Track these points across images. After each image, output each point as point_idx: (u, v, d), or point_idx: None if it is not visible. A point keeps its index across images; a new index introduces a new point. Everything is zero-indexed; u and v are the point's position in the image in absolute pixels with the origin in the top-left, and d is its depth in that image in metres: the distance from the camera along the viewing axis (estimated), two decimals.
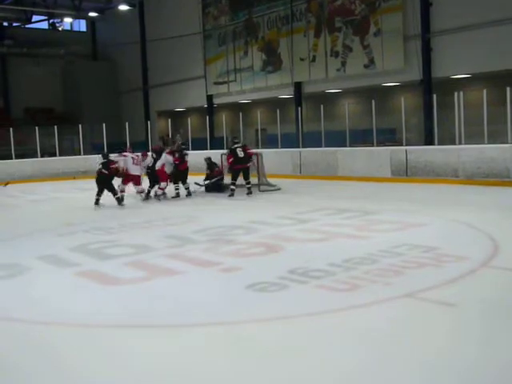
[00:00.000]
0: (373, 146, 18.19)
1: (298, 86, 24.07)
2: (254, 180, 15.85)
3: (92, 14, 27.94)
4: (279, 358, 4.37)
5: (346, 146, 18.75)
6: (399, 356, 4.31)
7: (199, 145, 23.62)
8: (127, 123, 25.28)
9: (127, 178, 14.21)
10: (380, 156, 17.28)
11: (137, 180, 14.38)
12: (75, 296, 6.37)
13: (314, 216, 10.85)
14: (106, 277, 7.01)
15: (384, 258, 7.17)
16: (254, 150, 16.37)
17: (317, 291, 5.96)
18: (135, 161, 14.37)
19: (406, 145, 17.36)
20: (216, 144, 24.34)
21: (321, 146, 19.49)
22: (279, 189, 15.83)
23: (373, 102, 17.92)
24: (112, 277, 7.00)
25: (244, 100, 26.88)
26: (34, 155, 24.07)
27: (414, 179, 16.09)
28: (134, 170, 14.30)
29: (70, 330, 5.24)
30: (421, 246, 7.69)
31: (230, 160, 14.64)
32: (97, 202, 13.39)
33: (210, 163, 16.50)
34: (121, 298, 6.18)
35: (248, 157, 14.87)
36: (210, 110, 28.24)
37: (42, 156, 24.19)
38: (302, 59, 23.34)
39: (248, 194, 14.62)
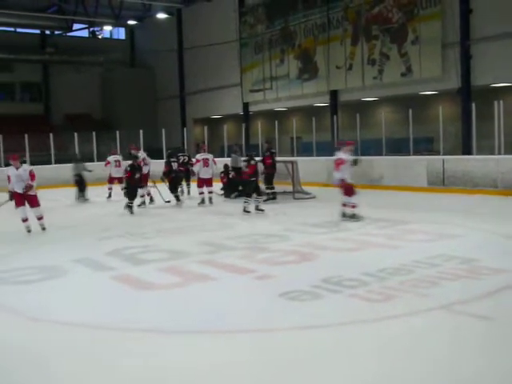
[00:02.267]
0: (409, 155, 18.01)
1: (333, 94, 24.03)
2: (288, 188, 15.87)
3: (131, 22, 28.39)
4: (309, 367, 4.35)
5: (381, 155, 18.60)
6: (432, 369, 4.25)
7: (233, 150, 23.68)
8: (163, 130, 25.56)
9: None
10: (416, 165, 17.08)
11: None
12: (110, 299, 6.46)
13: (349, 225, 10.79)
14: (140, 281, 7.08)
15: (419, 268, 7.09)
16: (289, 158, 16.39)
17: (350, 301, 5.93)
18: (117, 163, 16.92)
19: (443, 154, 17.14)
20: (251, 151, 24.39)
21: (357, 155, 19.32)
22: (314, 197, 15.79)
23: (409, 110, 17.76)
24: (146, 282, 7.07)
25: (280, 108, 26.94)
26: (72, 160, 24.43)
27: (451, 189, 15.86)
28: (115, 173, 16.73)
29: (104, 333, 5.31)
30: (457, 258, 7.58)
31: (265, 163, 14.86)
32: (132, 207, 13.63)
33: (225, 170, 17.03)
34: (153, 303, 6.23)
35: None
36: (246, 117, 28.37)
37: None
38: (338, 67, 23.28)
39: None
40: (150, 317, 5.74)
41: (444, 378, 4.11)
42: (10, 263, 8.56)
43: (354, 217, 11.13)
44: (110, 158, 17.50)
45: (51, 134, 24.35)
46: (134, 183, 13.60)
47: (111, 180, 17.29)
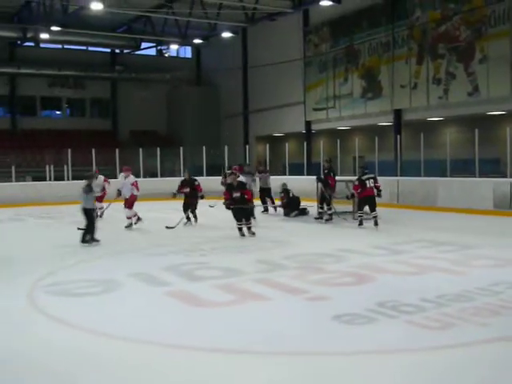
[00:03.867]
0: (475, 176, 17.50)
1: (397, 114, 23.68)
2: (349, 208, 15.66)
3: (197, 41, 28.84)
4: None
5: (446, 176, 18.15)
6: None
7: (296, 170, 23.70)
8: (226, 147, 25.80)
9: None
10: (482, 187, 16.56)
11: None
12: (163, 315, 6.48)
13: (409, 247, 10.53)
14: (194, 298, 7.09)
15: (480, 296, 6.81)
16: (351, 178, 16.17)
17: (406, 327, 5.74)
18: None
19: (511, 177, 16.56)
20: (313, 170, 24.30)
21: (420, 175, 18.98)
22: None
23: (476, 130, 17.28)
24: (200, 299, 7.07)
25: (342, 127, 26.74)
26: (137, 175, 24.96)
27: None
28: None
29: (154, 350, 5.32)
30: None
31: (358, 190, 13.74)
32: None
33: (285, 189, 16.71)
34: (206, 321, 6.21)
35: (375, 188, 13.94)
36: (308, 135, 28.29)
37: (144, 176, 25.06)
38: (402, 86, 22.94)
39: (375, 224, 13.45)
40: (201, 335, 5.72)
41: None
42: (67, 276, 8.75)
43: None
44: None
45: (117, 149, 24.97)
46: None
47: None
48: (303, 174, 23.24)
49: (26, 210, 19.09)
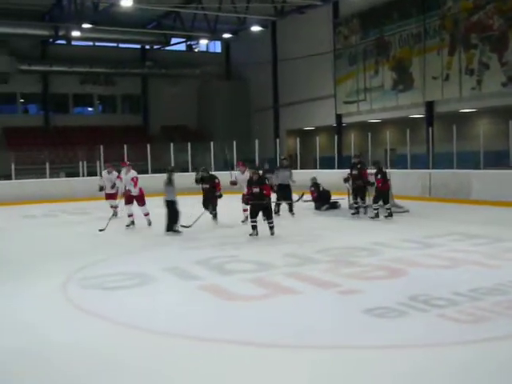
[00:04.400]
0: (509, 168, 17.20)
1: (429, 106, 23.38)
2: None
3: (226, 36, 28.90)
4: None
5: (479, 168, 17.89)
6: None
7: (327, 163, 23.60)
8: (257, 141, 25.81)
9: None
10: None
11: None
12: (195, 309, 6.54)
13: (442, 241, 10.41)
14: (225, 292, 7.14)
15: None
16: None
17: (438, 321, 5.69)
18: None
19: None
20: (344, 163, 24.18)
21: (452, 168, 18.73)
22: (407, 211, 15.35)
23: (510, 122, 16.98)
24: (231, 292, 7.11)
25: (373, 119, 26.51)
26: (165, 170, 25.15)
27: None
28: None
29: (186, 343, 5.37)
30: None
31: (380, 183, 13.77)
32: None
33: (315, 183, 16.61)
34: (237, 315, 6.26)
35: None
36: (339, 129, 28.14)
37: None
38: (434, 78, 22.64)
39: (390, 216, 13.81)
40: (233, 328, 5.76)
41: None
42: (100, 269, 8.88)
43: None
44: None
45: (148, 145, 25.17)
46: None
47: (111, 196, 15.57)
48: (334, 168, 23.12)
49: (59, 206, 19.38)
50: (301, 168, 23.81)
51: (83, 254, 10.26)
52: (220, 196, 13.55)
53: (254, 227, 11.61)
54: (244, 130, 33.74)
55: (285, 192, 15.04)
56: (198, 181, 13.80)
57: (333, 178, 18.50)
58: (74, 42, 31.74)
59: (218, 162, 25.95)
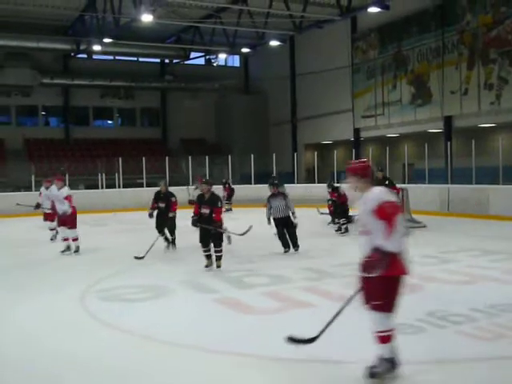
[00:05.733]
0: None
1: (448, 120, 23.31)
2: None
3: (245, 50, 29.11)
4: None
5: (498, 183, 17.79)
6: None
7: (345, 177, 23.50)
8: (274, 155, 25.89)
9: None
10: None
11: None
12: (211, 322, 6.57)
13: (459, 256, 10.37)
14: (241, 305, 7.17)
15: None
16: (400, 186, 16.00)
17: (455, 338, 5.66)
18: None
19: None
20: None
21: (471, 183, 18.65)
22: (425, 226, 15.30)
23: None
24: (247, 306, 7.14)
25: (391, 134, 26.49)
26: (185, 183, 25.31)
27: None
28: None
29: (202, 356, 5.40)
30: None
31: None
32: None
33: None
34: (252, 328, 6.27)
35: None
36: (357, 143, 28.12)
37: (192, 184, 25.36)
38: (452, 92, 22.59)
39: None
40: (245, 342, 5.78)
41: None
42: (117, 281, 8.95)
43: None
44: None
45: (167, 158, 25.37)
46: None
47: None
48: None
49: (78, 218, 19.51)
50: (318, 182, 23.84)
51: (101, 265, 10.35)
52: (173, 217, 11.74)
53: (208, 256, 9.66)
54: (262, 143, 33.88)
55: (285, 227, 11.48)
56: (155, 197, 12.02)
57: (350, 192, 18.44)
58: (94, 56, 32.13)
59: (235, 176, 26.12)
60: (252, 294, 7.77)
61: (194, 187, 15.68)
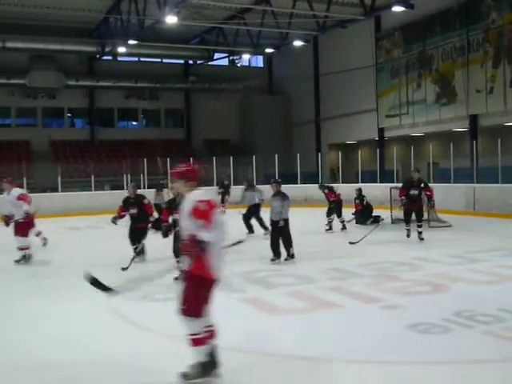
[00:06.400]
0: None
1: (473, 119, 23.06)
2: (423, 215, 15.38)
3: (268, 50, 29.13)
4: None
5: None
6: None
7: (369, 177, 23.51)
8: (298, 155, 25.88)
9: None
10: None
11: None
12: (236, 321, 6.60)
13: (486, 256, 10.28)
14: (267, 305, 7.21)
15: None
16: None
17: (483, 338, 5.64)
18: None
19: None
20: (386, 177, 24.05)
21: (497, 182, 18.45)
22: (450, 225, 15.20)
23: None
24: (272, 305, 7.18)
25: (416, 133, 26.29)
26: (210, 183, 25.41)
27: None
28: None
29: (228, 356, 5.44)
30: None
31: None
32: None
33: (360, 195, 16.51)
34: (277, 328, 6.31)
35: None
36: (381, 142, 27.97)
37: (216, 185, 25.45)
38: (478, 91, 22.35)
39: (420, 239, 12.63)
40: (270, 341, 5.81)
41: None
42: (144, 281, 9.00)
43: None
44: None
45: (191, 158, 25.49)
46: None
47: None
48: (376, 182, 23.02)
49: (103, 218, 19.72)
50: (343, 182, 23.80)
51: (126, 264, 10.43)
52: (154, 224, 10.05)
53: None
54: (286, 143, 33.89)
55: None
56: (124, 204, 10.77)
57: (374, 191, 18.43)
58: (119, 58, 32.43)
59: (259, 176, 26.13)
60: (278, 293, 7.83)
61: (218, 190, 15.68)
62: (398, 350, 5.45)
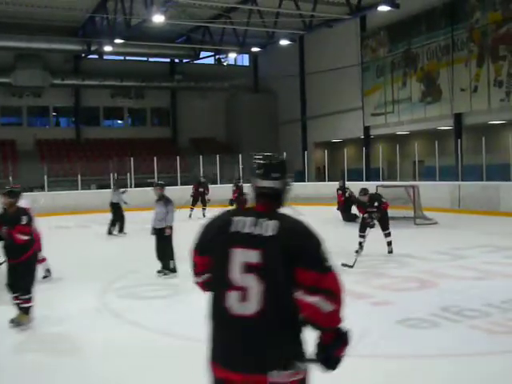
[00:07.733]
0: None
1: (458, 118, 23.31)
2: (409, 213, 15.59)
3: (254, 49, 29.19)
4: None
5: (508, 180, 17.84)
6: None
7: (355, 176, 23.68)
8: (285, 153, 25.96)
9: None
10: None
11: None
12: None
13: (472, 253, 10.47)
14: None
15: None
16: (410, 183, 16.10)
17: (470, 332, 5.79)
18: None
19: None
20: (372, 175, 24.26)
21: (482, 180, 18.71)
22: (436, 223, 15.40)
23: None
24: None
25: (401, 131, 26.52)
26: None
27: None
28: None
29: None
30: None
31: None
32: None
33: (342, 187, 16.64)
34: None
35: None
36: (367, 141, 28.17)
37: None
38: (462, 90, 22.61)
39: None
40: None
41: None
42: (136, 279, 9.09)
43: None
44: None
45: (178, 157, 25.53)
46: None
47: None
48: (362, 180, 23.19)
49: (91, 217, 19.77)
50: (329, 180, 23.96)
51: (118, 263, 10.51)
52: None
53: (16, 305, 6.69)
54: (272, 142, 33.97)
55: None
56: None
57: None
58: (105, 57, 32.30)
59: (246, 174, 26.20)
60: None
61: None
62: (388, 344, 5.57)
